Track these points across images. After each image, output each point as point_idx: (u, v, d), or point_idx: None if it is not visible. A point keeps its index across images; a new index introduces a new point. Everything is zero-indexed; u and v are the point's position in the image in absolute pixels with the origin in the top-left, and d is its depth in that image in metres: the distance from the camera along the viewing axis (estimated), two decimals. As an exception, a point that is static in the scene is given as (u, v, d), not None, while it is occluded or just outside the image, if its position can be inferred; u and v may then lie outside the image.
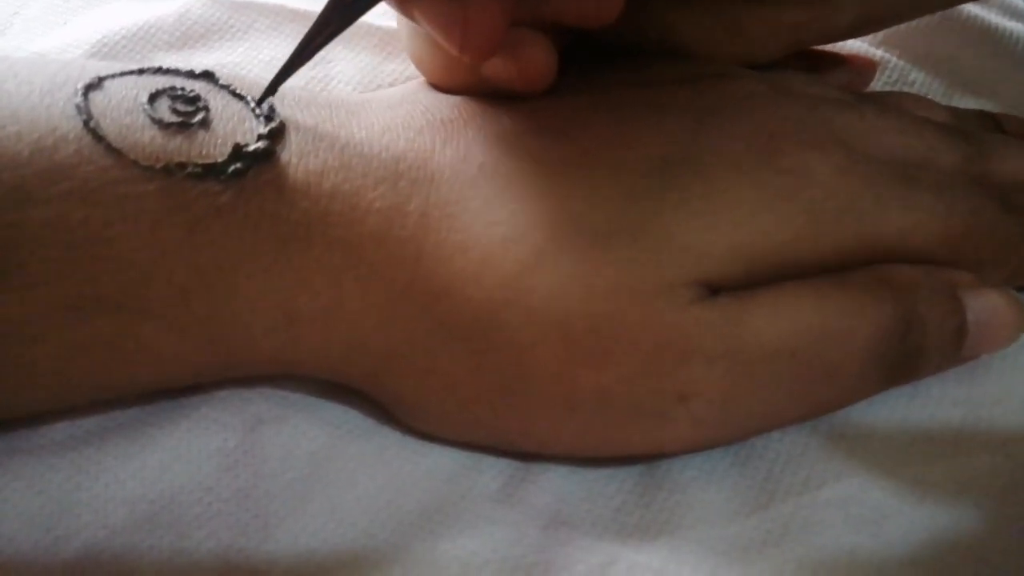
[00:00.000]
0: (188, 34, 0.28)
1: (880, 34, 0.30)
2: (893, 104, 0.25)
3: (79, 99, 0.19)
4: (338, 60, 0.28)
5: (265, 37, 0.29)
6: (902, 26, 0.29)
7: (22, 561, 0.19)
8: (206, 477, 0.20)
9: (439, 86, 0.23)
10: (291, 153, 0.20)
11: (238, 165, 0.19)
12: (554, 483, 0.20)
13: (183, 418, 0.21)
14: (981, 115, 0.27)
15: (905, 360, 0.20)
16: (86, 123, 0.19)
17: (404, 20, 0.24)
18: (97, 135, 0.19)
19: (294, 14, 0.29)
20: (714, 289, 0.19)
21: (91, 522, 0.19)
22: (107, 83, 0.20)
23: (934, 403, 0.21)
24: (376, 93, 0.24)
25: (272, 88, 0.20)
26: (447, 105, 0.22)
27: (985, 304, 0.21)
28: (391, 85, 0.28)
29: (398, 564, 0.19)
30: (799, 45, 0.24)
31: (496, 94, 0.22)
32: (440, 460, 0.21)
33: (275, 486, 0.20)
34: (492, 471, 0.20)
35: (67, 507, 0.19)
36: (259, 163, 0.19)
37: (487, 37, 0.19)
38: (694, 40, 0.24)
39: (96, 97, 0.19)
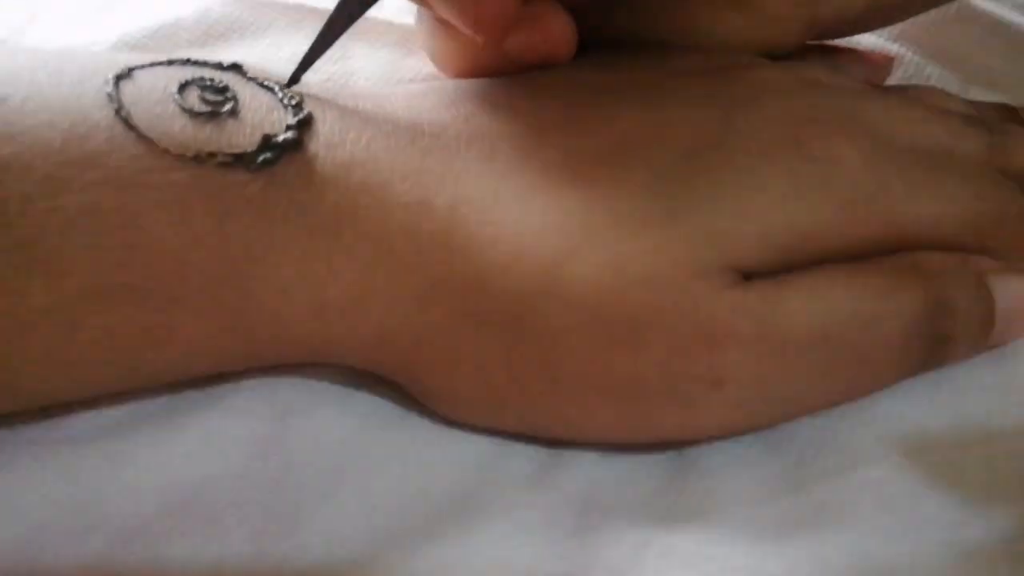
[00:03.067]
0: (209, 32, 0.29)
1: (895, 29, 0.30)
2: (914, 96, 0.25)
3: (110, 88, 0.19)
4: (358, 56, 0.28)
5: (285, 35, 0.29)
6: (917, 20, 0.29)
7: (55, 549, 0.19)
8: (236, 465, 0.20)
9: (461, 76, 0.23)
10: (319, 145, 0.20)
11: (267, 155, 0.19)
12: (585, 469, 0.20)
13: (212, 407, 0.21)
14: (1000, 107, 0.27)
15: (936, 345, 0.20)
16: (117, 111, 0.19)
17: (421, 18, 0.24)
18: (128, 124, 0.19)
19: (314, 12, 0.29)
20: (747, 275, 0.19)
21: (123, 510, 0.19)
22: (137, 73, 0.20)
23: (962, 389, 0.21)
24: (400, 87, 0.24)
25: (300, 71, 0.21)
26: (472, 100, 0.22)
27: (1013, 291, 0.21)
28: (411, 81, 0.28)
29: (430, 551, 0.19)
30: (817, 25, 0.24)
31: (521, 70, 0.22)
32: (469, 448, 0.21)
33: (305, 474, 0.20)
34: (522, 458, 0.20)
35: (99, 495, 0.19)
36: (288, 153, 0.20)
37: (499, 12, 0.20)
38: (711, 25, 0.24)
39: (127, 87, 0.19)
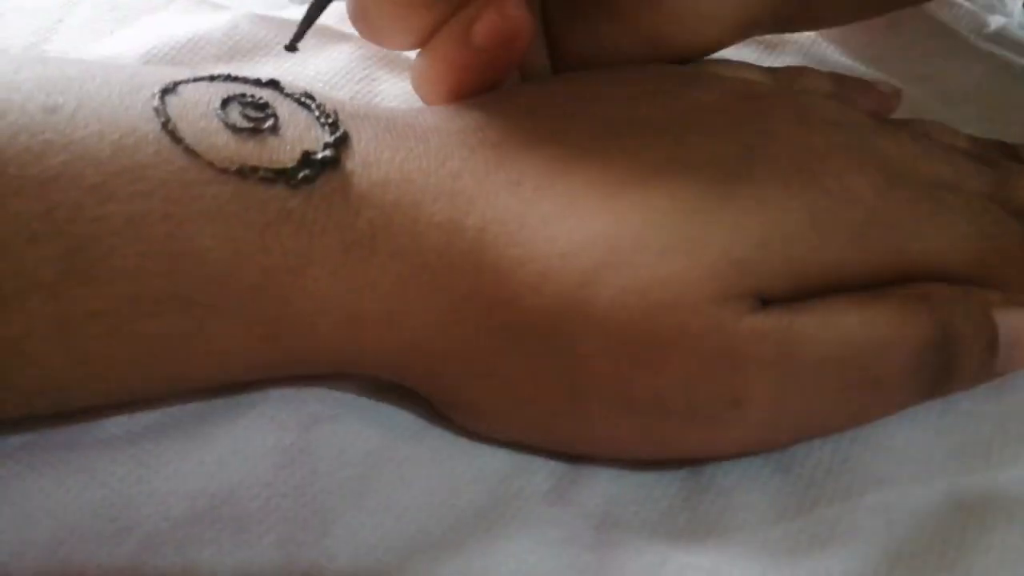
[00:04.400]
0: (236, 48, 0.29)
1: (907, 65, 0.31)
2: (921, 131, 0.26)
3: (157, 102, 0.20)
4: (382, 80, 0.29)
5: (310, 55, 0.30)
6: (927, 60, 0.30)
7: (86, 551, 0.19)
8: (264, 473, 0.20)
9: (446, 100, 0.24)
10: (356, 163, 0.21)
11: (307, 172, 0.20)
12: (603, 485, 0.21)
13: (240, 416, 0.21)
14: (1000, 144, 0.28)
15: (942, 372, 0.21)
16: (164, 125, 0.19)
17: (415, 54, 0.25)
18: (175, 137, 0.19)
19: (340, 35, 0.30)
20: (766, 301, 0.20)
21: (153, 514, 0.20)
22: (181, 88, 0.20)
23: (964, 417, 0.22)
24: (428, 107, 0.25)
25: (303, 28, 0.22)
26: (500, 126, 0.22)
27: (1016, 322, 0.22)
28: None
29: (456, 560, 0.19)
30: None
31: (497, 73, 0.24)
32: (492, 461, 0.21)
33: (331, 484, 0.21)
34: (543, 472, 0.21)
35: (129, 499, 0.20)
36: (327, 170, 0.20)
37: None
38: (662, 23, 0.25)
39: (172, 101, 0.20)
